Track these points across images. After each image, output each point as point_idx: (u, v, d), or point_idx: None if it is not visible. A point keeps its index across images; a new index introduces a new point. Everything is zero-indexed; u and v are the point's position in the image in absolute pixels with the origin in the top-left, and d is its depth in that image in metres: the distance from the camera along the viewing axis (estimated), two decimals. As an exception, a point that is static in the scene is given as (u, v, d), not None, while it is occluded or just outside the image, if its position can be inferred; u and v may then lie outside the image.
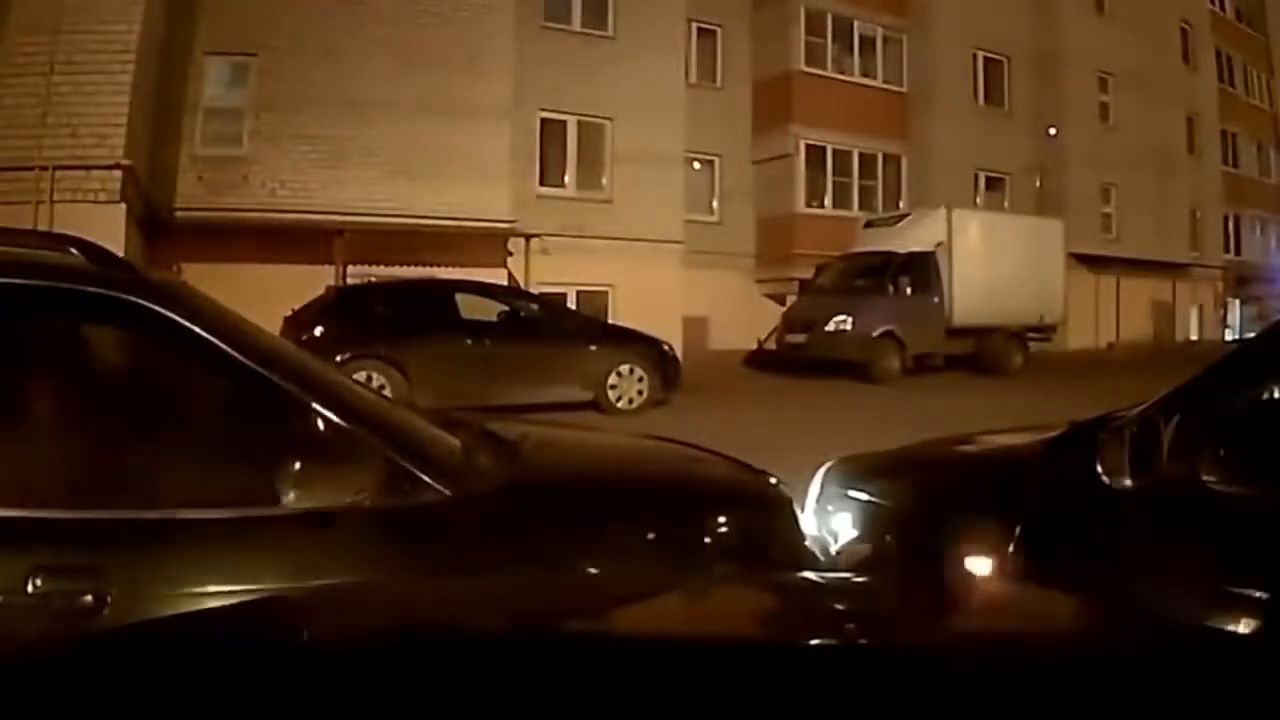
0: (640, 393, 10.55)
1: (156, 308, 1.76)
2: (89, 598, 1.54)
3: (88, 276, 1.84)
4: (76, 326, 1.87)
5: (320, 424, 1.79)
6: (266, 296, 10.15)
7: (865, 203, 20.20)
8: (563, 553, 1.87)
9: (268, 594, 1.49)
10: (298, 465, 1.71)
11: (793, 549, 2.23)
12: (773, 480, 2.51)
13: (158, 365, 1.95)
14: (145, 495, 1.75)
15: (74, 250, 1.97)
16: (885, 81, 20.93)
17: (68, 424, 1.84)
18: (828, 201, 19.99)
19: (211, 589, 1.59)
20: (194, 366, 1.84)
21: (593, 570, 1.90)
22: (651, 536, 2.03)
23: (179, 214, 12.23)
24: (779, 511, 2.32)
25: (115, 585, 1.56)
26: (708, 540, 2.12)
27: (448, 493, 1.82)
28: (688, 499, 2.29)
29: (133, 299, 1.76)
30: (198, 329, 1.77)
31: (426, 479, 1.82)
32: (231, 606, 1.39)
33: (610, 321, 13.86)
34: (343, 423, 1.80)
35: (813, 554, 2.39)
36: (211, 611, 1.30)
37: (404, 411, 2.34)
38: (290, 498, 1.69)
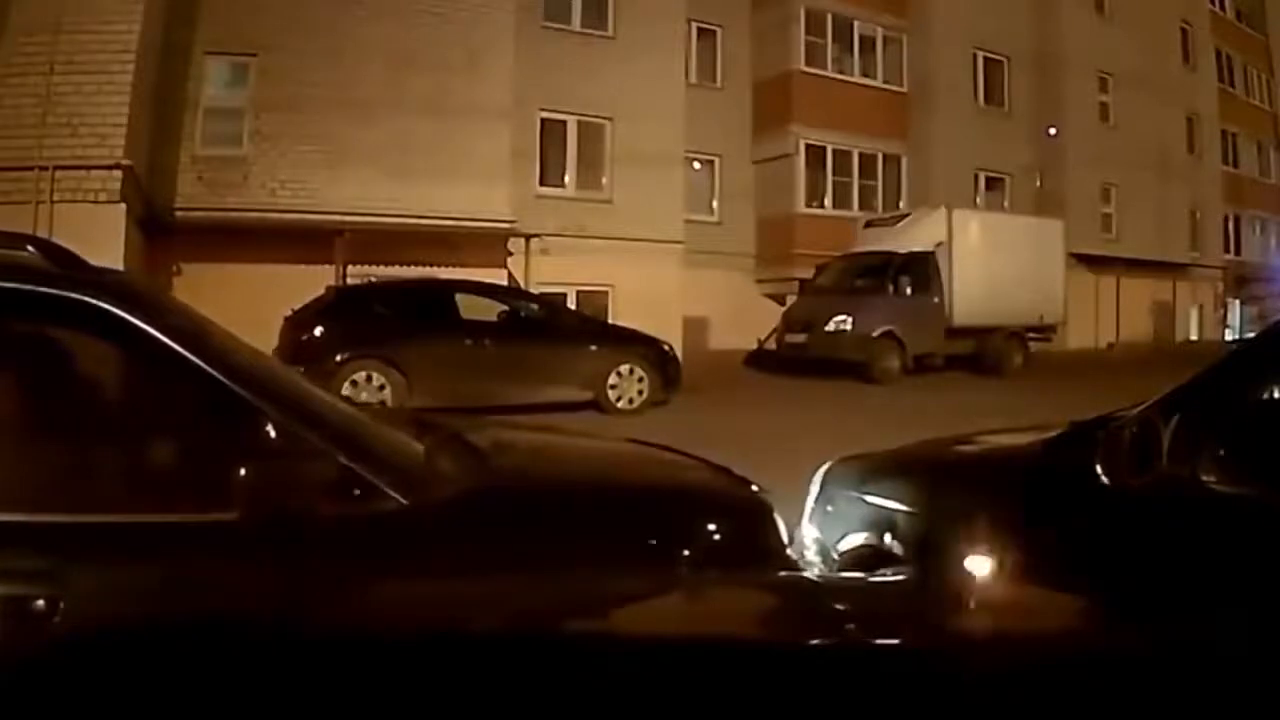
0: (640, 393, 10.55)
1: (110, 308, 1.72)
2: (41, 602, 1.51)
3: (39, 276, 1.79)
4: (27, 327, 1.81)
5: (274, 429, 1.74)
6: (266, 296, 10.17)
7: (865, 203, 20.20)
8: (526, 561, 1.81)
9: (219, 600, 1.46)
10: (249, 471, 1.67)
11: (773, 558, 2.18)
12: (754, 487, 2.45)
13: (111, 367, 1.91)
14: (95, 499, 1.71)
15: (31, 248, 1.92)
16: (885, 81, 20.93)
17: (17, 426, 1.80)
18: (828, 201, 19.99)
19: (159, 595, 1.56)
20: (147, 368, 1.80)
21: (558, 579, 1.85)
22: (623, 544, 1.97)
23: (179, 214, 12.24)
24: (759, 520, 2.26)
25: (68, 590, 1.53)
26: (682, 549, 2.06)
27: (404, 501, 1.78)
28: (663, 506, 2.23)
29: (85, 299, 1.71)
30: (152, 330, 1.72)
31: (381, 486, 1.77)
32: (229, 607, 1.38)
33: (610, 321, 13.86)
34: (297, 428, 1.76)
35: (794, 562, 2.35)
36: (209, 612, 1.30)
37: (365, 417, 2.29)
38: (240, 504, 1.65)
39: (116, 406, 1.97)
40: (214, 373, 1.74)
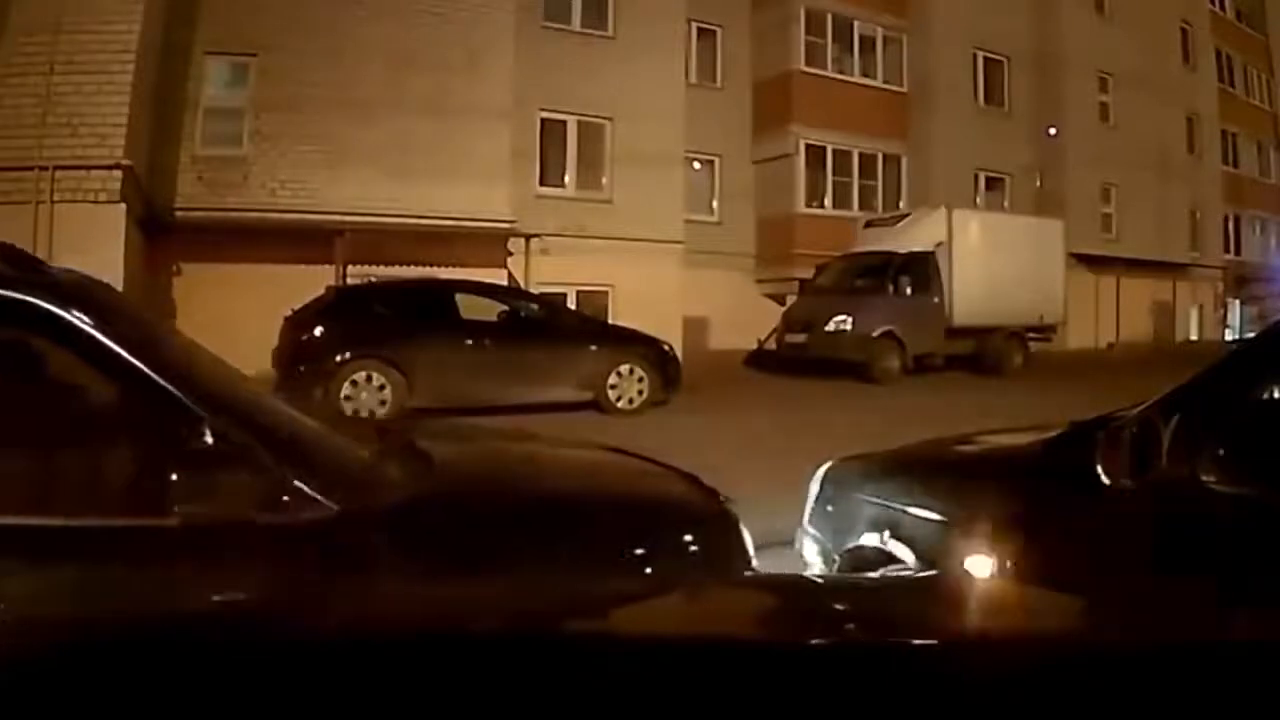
0: (640, 393, 10.55)
1: (52, 308, 1.70)
2: None
3: None
4: None
5: (210, 434, 1.71)
6: (266, 296, 10.18)
7: (865, 203, 20.21)
8: (462, 571, 1.79)
9: (137, 605, 1.44)
10: (177, 474, 1.65)
11: (735, 570, 2.13)
12: (721, 498, 2.40)
13: (48, 367, 1.88)
14: (22, 501, 1.70)
15: None
16: (885, 81, 20.94)
17: None
18: (828, 201, 20.00)
19: (76, 598, 1.54)
20: (87, 369, 1.77)
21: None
22: (572, 554, 1.93)
23: (179, 214, 12.24)
24: (722, 531, 2.22)
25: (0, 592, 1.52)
26: (638, 558, 2.02)
27: (334, 508, 1.75)
28: (618, 515, 2.18)
29: (28, 299, 1.70)
30: (90, 329, 1.70)
31: (312, 492, 1.75)
32: (228, 607, 1.38)
33: (610, 321, 13.87)
34: (234, 433, 1.74)
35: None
36: (208, 612, 1.30)
37: (311, 423, 2.24)
38: (165, 508, 1.63)
39: (56, 408, 1.94)
40: (151, 374, 1.72)
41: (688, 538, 2.17)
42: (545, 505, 2.14)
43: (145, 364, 1.72)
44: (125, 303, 1.98)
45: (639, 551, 2.04)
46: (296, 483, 1.75)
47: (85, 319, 1.72)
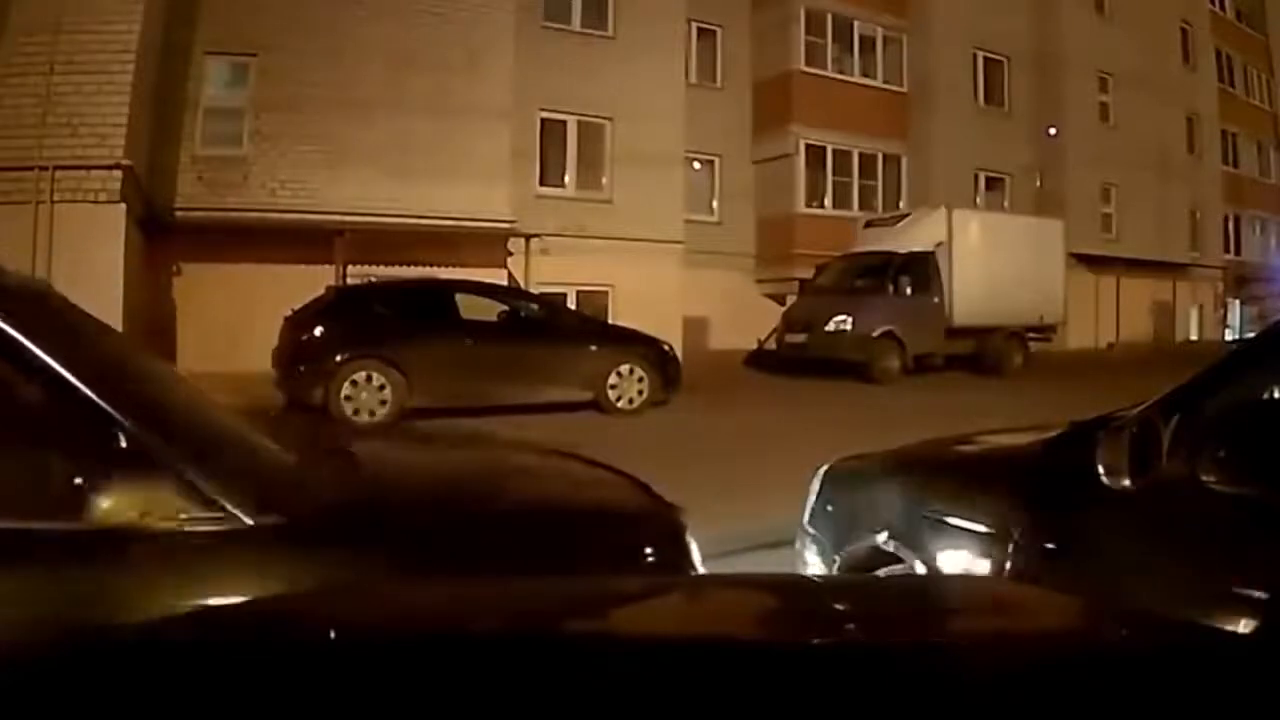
0: (640, 393, 10.55)
1: None
2: None
3: None
4: None
5: (113, 434, 1.64)
6: (266, 296, 10.19)
7: (865, 203, 20.22)
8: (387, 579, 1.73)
9: (39, 611, 1.40)
10: (85, 479, 1.59)
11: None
12: (669, 506, 2.33)
13: None
14: None
15: None
16: (885, 81, 20.95)
17: None
18: (828, 201, 20.01)
19: None
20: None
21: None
22: (503, 564, 1.87)
23: (179, 214, 12.25)
24: (666, 540, 2.16)
25: None
26: (571, 568, 1.94)
27: (248, 519, 1.70)
28: (554, 524, 2.11)
29: None
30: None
31: (223, 501, 1.69)
32: (231, 607, 1.38)
33: (610, 321, 13.87)
34: (147, 438, 1.67)
35: None
36: (212, 612, 1.30)
37: (236, 427, 2.16)
38: (70, 513, 1.57)
39: None
40: (66, 375, 1.66)
41: (631, 545, 2.11)
42: (477, 513, 2.09)
43: (62, 365, 1.66)
44: (56, 301, 1.94)
45: (576, 559, 1.98)
46: (211, 491, 1.70)
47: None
